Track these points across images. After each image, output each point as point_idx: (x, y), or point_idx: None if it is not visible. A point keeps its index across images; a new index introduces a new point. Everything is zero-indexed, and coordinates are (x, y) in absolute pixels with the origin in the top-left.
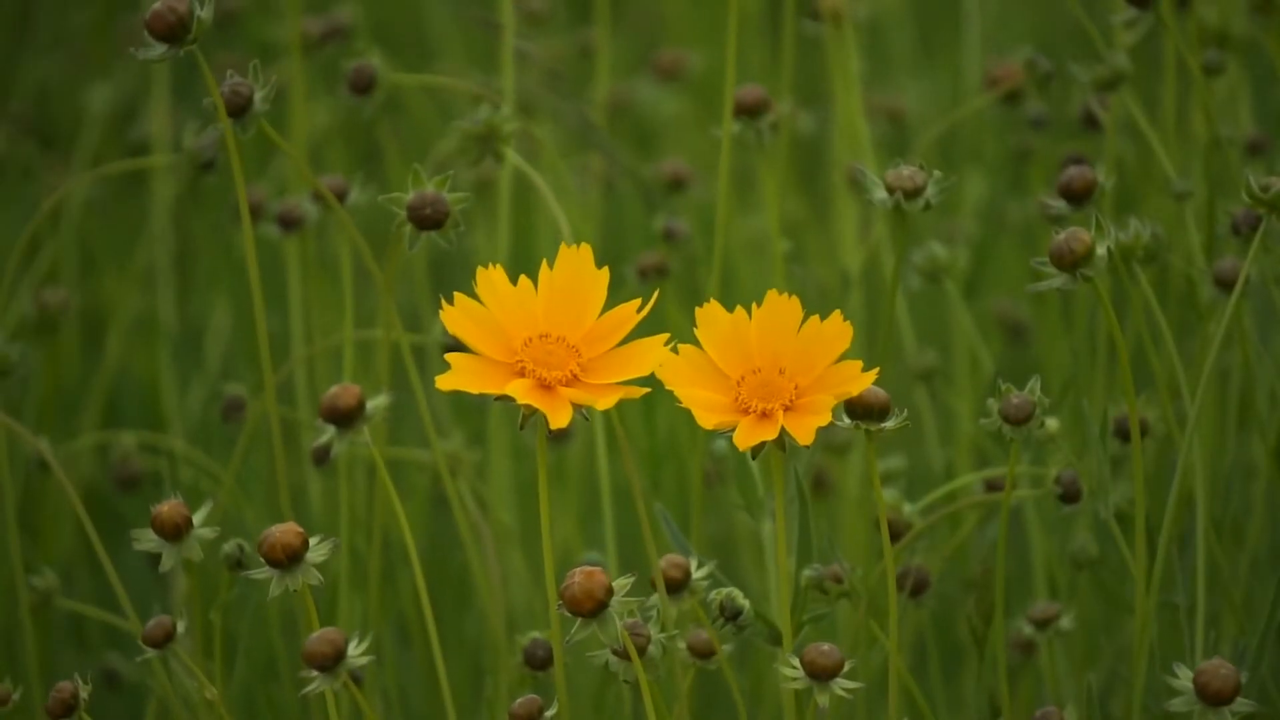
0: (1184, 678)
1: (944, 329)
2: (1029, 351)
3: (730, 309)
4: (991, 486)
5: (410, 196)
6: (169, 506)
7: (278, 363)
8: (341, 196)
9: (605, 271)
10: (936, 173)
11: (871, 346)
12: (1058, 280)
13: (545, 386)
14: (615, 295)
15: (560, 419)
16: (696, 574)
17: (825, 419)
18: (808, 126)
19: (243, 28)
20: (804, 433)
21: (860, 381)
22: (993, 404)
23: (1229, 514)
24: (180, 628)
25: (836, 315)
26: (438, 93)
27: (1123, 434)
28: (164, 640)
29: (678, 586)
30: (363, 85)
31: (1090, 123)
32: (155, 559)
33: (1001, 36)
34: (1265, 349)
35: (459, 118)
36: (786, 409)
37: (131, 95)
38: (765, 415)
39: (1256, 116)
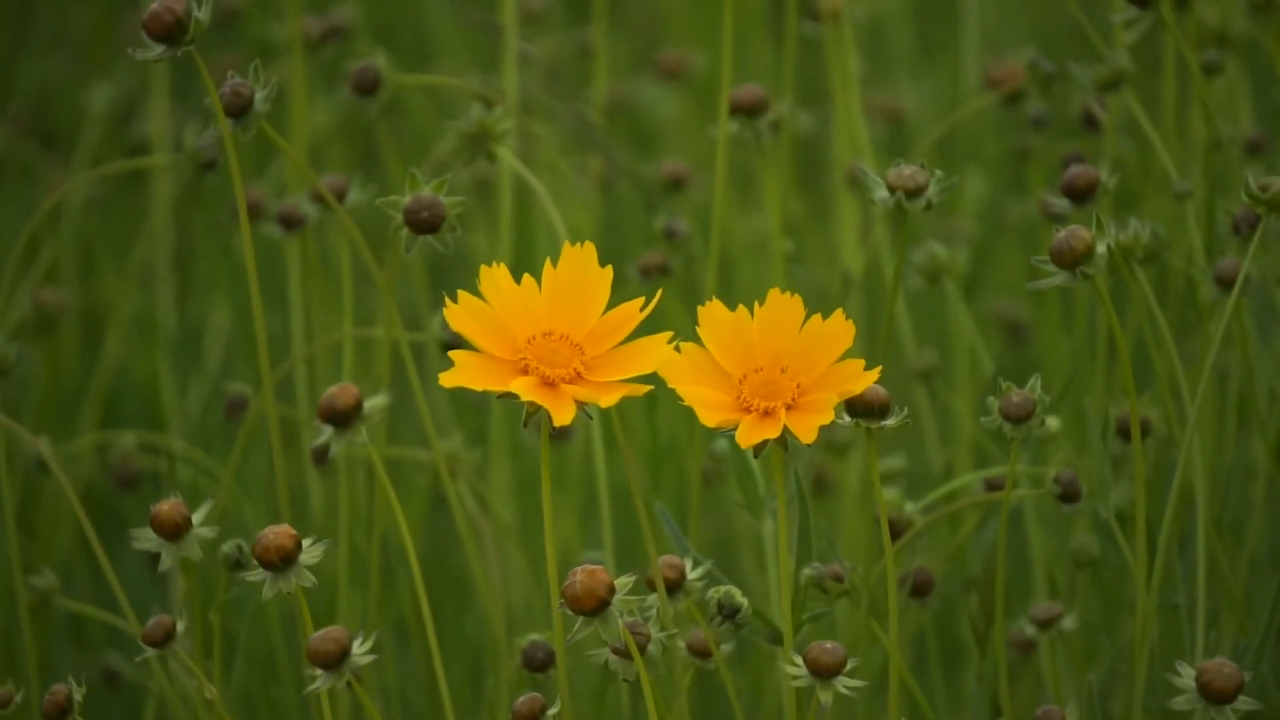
0: (1186, 676)
1: (943, 329)
2: (1029, 351)
3: (731, 308)
4: (991, 486)
5: (407, 200)
6: (168, 506)
7: (277, 362)
8: (340, 196)
9: (609, 270)
10: (938, 172)
11: (872, 346)
12: (1058, 278)
13: (548, 384)
14: (616, 294)
15: (564, 416)
16: (692, 574)
17: (828, 417)
18: (807, 126)
19: (242, 27)
20: (806, 431)
21: (862, 380)
22: (993, 402)
23: (1228, 513)
24: (180, 627)
25: (838, 314)
26: (437, 93)
27: (1122, 433)
28: (164, 640)
29: (673, 587)
30: (367, 86)
31: (1090, 122)
32: (155, 558)
33: (1001, 36)
34: (1265, 348)
35: (458, 118)
36: (789, 407)
37: (131, 95)
38: (767, 414)
39: (1256, 116)
